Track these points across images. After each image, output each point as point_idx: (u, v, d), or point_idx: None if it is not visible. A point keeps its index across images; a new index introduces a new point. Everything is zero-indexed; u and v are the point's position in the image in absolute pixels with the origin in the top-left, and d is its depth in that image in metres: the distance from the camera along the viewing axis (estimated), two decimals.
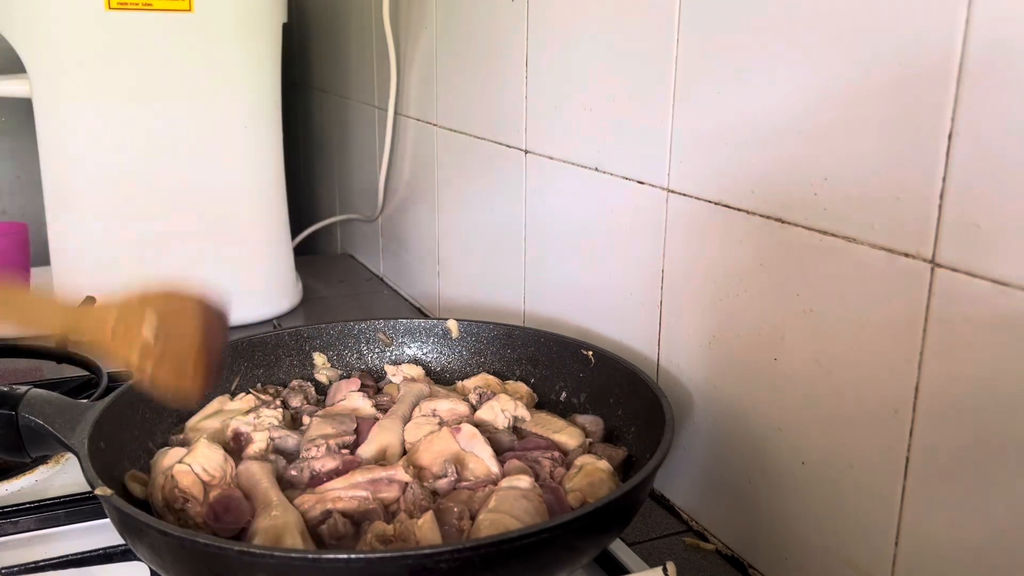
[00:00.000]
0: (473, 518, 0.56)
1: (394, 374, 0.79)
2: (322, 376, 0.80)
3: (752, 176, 0.61)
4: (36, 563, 0.62)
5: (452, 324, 0.80)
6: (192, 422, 0.70)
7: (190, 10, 1.02)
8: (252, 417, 0.68)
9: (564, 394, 0.75)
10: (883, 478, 0.54)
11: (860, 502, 0.56)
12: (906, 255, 0.51)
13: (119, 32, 1.00)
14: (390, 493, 0.58)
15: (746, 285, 0.63)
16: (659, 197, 0.71)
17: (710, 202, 0.65)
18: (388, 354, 0.81)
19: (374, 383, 0.78)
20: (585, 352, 0.73)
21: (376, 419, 0.69)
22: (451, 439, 0.64)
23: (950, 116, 0.47)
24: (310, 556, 0.48)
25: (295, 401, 0.74)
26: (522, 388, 0.76)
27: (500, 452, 0.64)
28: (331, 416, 0.70)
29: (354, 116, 1.43)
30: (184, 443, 0.66)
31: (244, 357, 0.77)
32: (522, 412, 0.70)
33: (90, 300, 0.94)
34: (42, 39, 1.00)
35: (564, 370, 0.75)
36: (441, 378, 0.79)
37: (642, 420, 0.66)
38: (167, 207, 1.07)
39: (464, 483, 0.61)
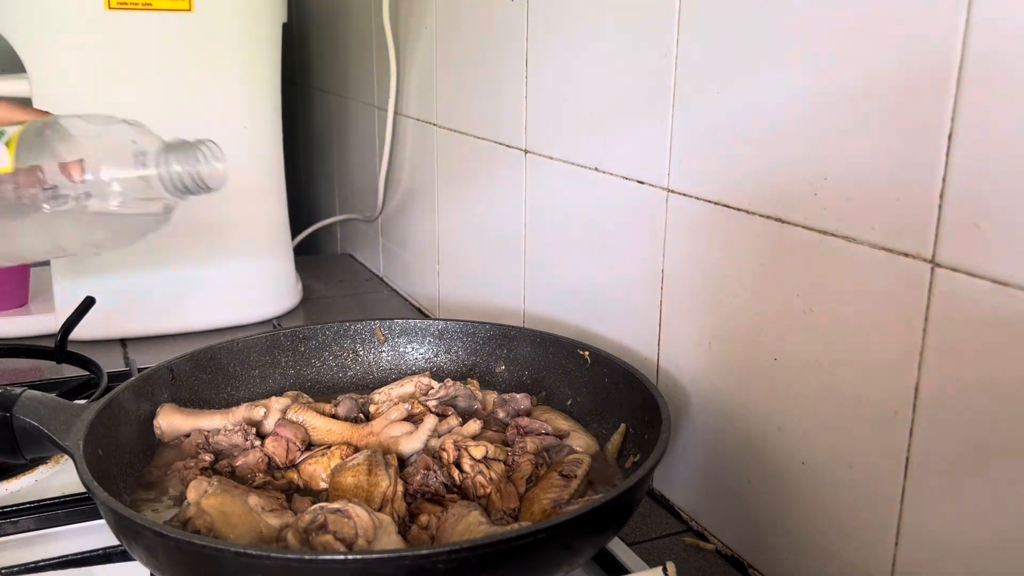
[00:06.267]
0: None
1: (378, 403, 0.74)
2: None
3: (752, 176, 0.61)
4: (36, 563, 0.62)
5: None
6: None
7: (190, 10, 1.02)
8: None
9: (562, 394, 0.75)
10: (883, 478, 0.53)
11: (860, 502, 0.56)
12: (906, 255, 0.50)
13: (119, 32, 1.00)
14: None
15: (746, 285, 0.63)
16: (659, 197, 0.71)
17: (710, 202, 0.65)
18: (384, 354, 0.81)
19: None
20: (581, 352, 0.73)
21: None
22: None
23: (950, 116, 0.47)
24: (307, 557, 0.48)
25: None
26: (489, 398, 0.74)
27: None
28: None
29: (354, 116, 1.43)
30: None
31: (239, 359, 0.76)
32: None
33: (90, 300, 0.94)
34: (42, 39, 0.99)
35: (561, 370, 0.75)
36: (437, 378, 0.79)
37: (640, 420, 0.66)
38: None
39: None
